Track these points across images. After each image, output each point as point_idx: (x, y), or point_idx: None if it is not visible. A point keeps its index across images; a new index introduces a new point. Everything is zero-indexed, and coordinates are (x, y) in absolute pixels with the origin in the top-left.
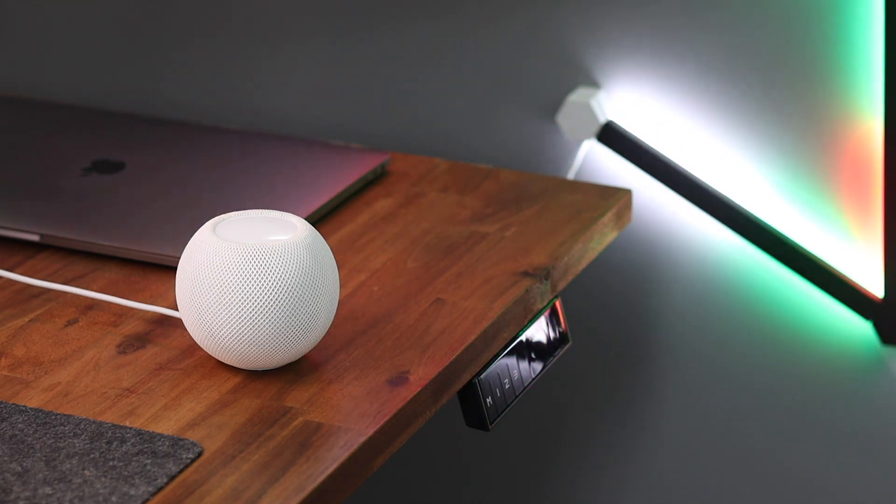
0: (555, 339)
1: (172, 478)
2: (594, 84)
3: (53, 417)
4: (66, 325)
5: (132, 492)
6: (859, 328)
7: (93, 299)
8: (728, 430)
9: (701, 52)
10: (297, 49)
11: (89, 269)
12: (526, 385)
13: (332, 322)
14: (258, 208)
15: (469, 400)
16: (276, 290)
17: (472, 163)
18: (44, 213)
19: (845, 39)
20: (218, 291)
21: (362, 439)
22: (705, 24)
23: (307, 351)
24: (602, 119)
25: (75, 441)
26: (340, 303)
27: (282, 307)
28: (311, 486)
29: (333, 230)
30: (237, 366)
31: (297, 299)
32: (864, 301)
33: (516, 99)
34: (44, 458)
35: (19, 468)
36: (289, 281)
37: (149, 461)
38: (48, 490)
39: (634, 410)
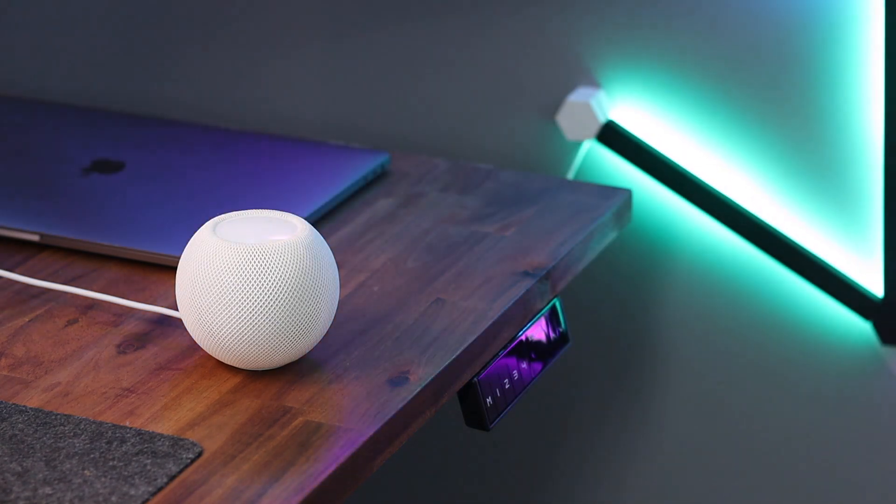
0: (555, 339)
1: (172, 478)
2: (594, 84)
3: (53, 417)
4: (66, 325)
5: (132, 492)
6: (859, 328)
7: (93, 299)
8: (728, 430)
9: (701, 52)
10: (298, 49)
11: (89, 269)
12: (526, 385)
13: (332, 322)
14: (258, 208)
15: (469, 400)
16: (276, 290)
17: (472, 163)
18: (44, 213)
19: (846, 39)
20: (218, 291)
21: (362, 439)
22: (705, 23)
23: (307, 351)
24: (602, 119)
25: (75, 441)
26: (340, 303)
27: (282, 307)
28: (311, 486)
29: (333, 230)
30: (237, 366)
31: (297, 299)
32: (864, 301)
33: (516, 99)
34: (44, 458)
35: (19, 468)
36: (289, 281)
37: (149, 461)
38: (48, 490)
39: (634, 410)
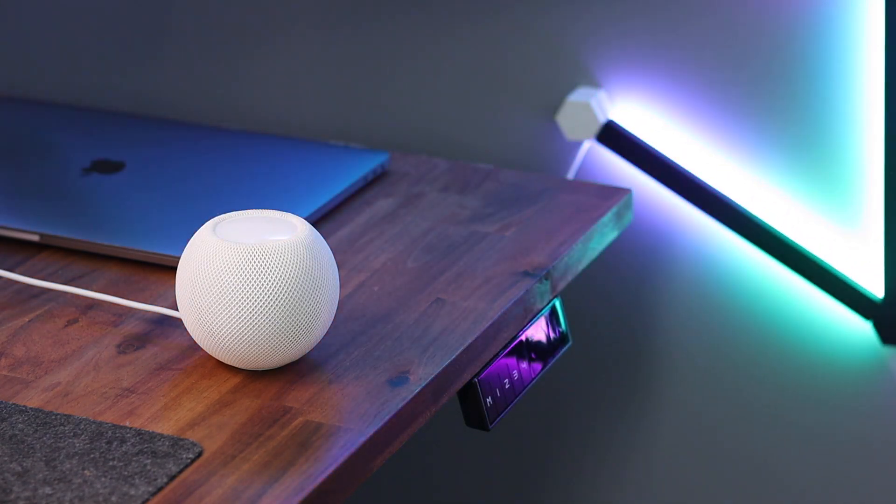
0: (555, 339)
1: (172, 478)
2: (594, 84)
3: (53, 417)
4: (66, 325)
5: (132, 492)
6: (859, 328)
7: (93, 299)
8: (727, 429)
9: (701, 52)
10: (297, 49)
11: (89, 269)
12: (526, 385)
13: (332, 322)
14: (258, 208)
15: (469, 400)
16: (276, 290)
17: (472, 163)
18: (44, 213)
19: (846, 38)
20: (218, 291)
21: (362, 439)
22: (706, 23)
23: (307, 351)
24: (602, 119)
25: (75, 441)
26: (340, 303)
27: (282, 307)
28: (311, 486)
29: (333, 230)
30: (237, 366)
31: (297, 299)
32: (864, 301)
33: (516, 99)
34: (44, 458)
35: (19, 468)
36: (289, 281)
37: (149, 461)
38: (48, 490)
39: (634, 410)
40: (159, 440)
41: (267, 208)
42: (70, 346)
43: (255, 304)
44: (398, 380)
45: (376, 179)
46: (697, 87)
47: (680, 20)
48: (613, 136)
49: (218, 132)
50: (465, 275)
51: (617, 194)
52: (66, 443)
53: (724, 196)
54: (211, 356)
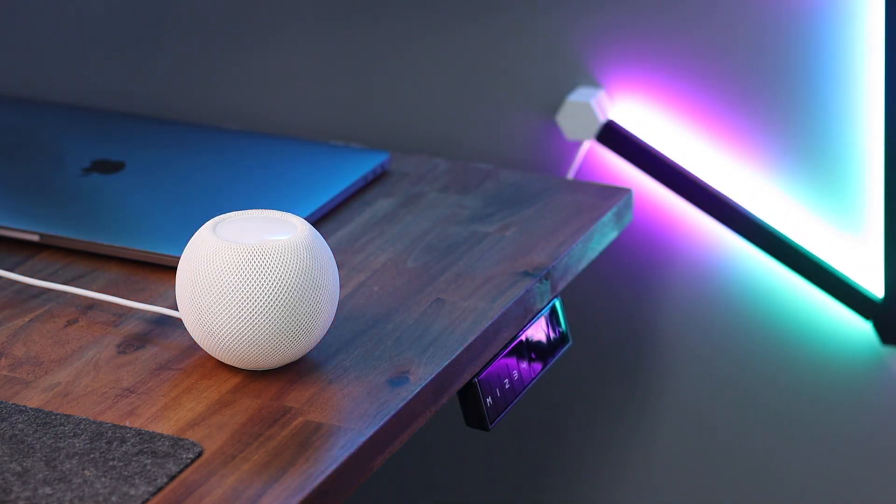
0: (555, 339)
1: (172, 478)
2: (594, 84)
3: (53, 417)
4: (66, 325)
5: (132, 492)
6: (859, 328)
7: (93, 299)
8: (727, 430)
9: (701, 52)
10: (297, 49)
11: (89, 269)
12: (526, 385)
13: (332, 322)
14: (258, 208)
15: (469, 400)
16: (276, 290)
17: (472, 163)
18: (44, 213)
19: (846, 38)
20: (218, 291)
21: (362, 439)
22: (706, 23)
23: (307, 351)
24: (602, 119)
25: (75, 441)
26: (340, 303)
27: (282, 307)
28: (311, 486)
29: (333, 230)
30: (237, 366)
31: (297, 299)
32: (864, 301)
33: (516, 99)
34: (44, 458)
35: (19, 468)
36: (289, 281)
37: (149, 461)
38: (48, 490)
39: (634, 410)
40: (159, 440)
41: (267, 208)
42: (70, 346)
43: (255, 304)
44: (398, 380)
45: (376, 179)
46: (697, 86)
47: (680, 20)
48: (613, 136)
49: (218, 132)
50: (465, 275)
51: (617, 194)
52: (66, 443)
53: (724, 196)
54: (211, 356)
